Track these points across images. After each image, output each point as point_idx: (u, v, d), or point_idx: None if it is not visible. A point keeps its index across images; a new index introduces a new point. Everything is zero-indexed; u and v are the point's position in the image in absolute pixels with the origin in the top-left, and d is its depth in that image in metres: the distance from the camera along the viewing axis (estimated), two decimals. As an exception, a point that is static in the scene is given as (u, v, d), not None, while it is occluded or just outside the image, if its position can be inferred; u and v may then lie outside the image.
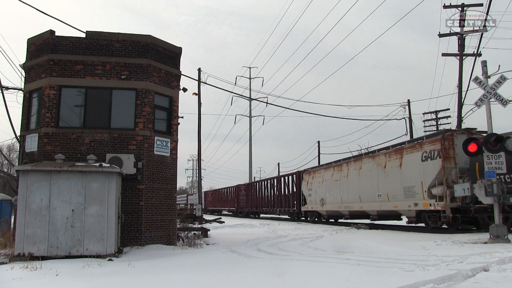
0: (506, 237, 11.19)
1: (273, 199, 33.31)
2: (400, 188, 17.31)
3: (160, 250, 11.04)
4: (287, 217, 33.45)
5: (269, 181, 35.09)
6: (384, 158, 18.84)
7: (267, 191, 34.78)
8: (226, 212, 48.75)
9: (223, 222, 27.49)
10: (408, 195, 16.85)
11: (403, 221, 19.35)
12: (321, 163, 34.32)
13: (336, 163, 23.96)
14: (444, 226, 15.69)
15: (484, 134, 15.10)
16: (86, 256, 9.49)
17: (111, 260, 9.38)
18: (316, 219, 26.55)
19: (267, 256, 10.04)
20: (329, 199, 23.72)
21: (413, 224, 17.93)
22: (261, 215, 39.55)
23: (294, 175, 29.82)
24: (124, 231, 11.35)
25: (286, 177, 31.45)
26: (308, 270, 7.50)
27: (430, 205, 15.48)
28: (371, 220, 20.84)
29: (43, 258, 9.28)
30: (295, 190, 29.22)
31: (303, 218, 28.52)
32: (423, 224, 17.15)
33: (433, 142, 15.82)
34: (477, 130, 15.80)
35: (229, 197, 45.94)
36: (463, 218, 15.06)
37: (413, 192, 16.59)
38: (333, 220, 25.47)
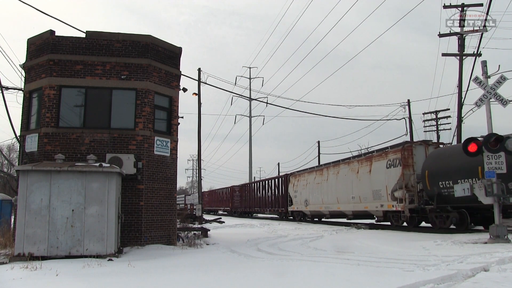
0: (506, 237, 11.19)
1: (264, 199, 35.39)
2: (370, 191, 19.65)
3: (160, 250, 11.04)
4: (276, 216, 35.58)
5: (261, 183, 37.15)
6: (357, 165, 21.17)
7: (259, 192, 36.59)
8: (221, 212, 50.20)
9: (223, 222, 27.49)
10: (376, 197, 19.22)
11: (374, 220, 21.37)
12: (320, 163, 35.36)
13: (318, 168, 26.51)
14: (404, 224, 18.00)
15: (441, 145, 18.50)
16: (86, 256, 9.49)
17: (111, 260, 9.38)
18: (301, 219, 28.63)
19: (267, 256, 10.04)
20: (312, 200, 25.97)
21: (381, 223, 20.37)
22: (254, 215, 41.36)
23: (282, 178, 32.04)
24: (124, 231, 11.35)
25: (276, 180, 33.68)
26: (308, 270, 7.50)
27: (393, 206, 17.87)
28: (348, 219, 23.19)
29: (43, 258, 9.28)
30: (283, 192, 31.38)
31: (291, 218, 30.35)
32: (388, 223, 19.46)
33: (395, 152, 18.12)
34: (432, 141, 18.45)
35: (224, 198, 47.58)
36: (419, 217, 17.42)
37: (379, 195, 18.91)
38: (317, 219, 27.83)
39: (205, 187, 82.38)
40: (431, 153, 16.98)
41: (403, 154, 17.45)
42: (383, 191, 18.62)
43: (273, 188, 33.69)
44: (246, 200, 40.10)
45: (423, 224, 18.03)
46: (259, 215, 41.09)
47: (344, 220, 23.94)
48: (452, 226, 15.51)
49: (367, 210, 20.16)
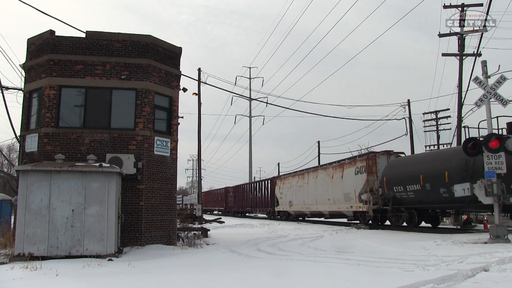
0: (506, 237, 11.19)
1: (255, 200, 38.11)
2: (342, 194, 22.53)
3: (160, 250, 11.04)
4: (265, 215, 38.61)
5: (252, 184, 39.95)
6: (332, 171, 24.03)
7: (251, 193, 39.18)
8: (216, 212, 52.29)
9: (223, 222, 27.51)
10: (347, 199, 22.02)
11: (346, 219, 23.95)
12: (320, 163, 36.41)
13: (300, 172, 29.55)
14: (372, 221, 20.66)
15: (402, 155, 21.12)
16: (86, 256, 9.49)
17: (111, 260, 9.38)
18: (286, 218, 31.28)
19: (267, 256, 10.04)
20: (295, 201, 28.87)
21: (352, 221, 22.75)
22: (247, 214, 43.58)
23: (270, 181, 35.02)
24: (124, 231, 11.35)
25: (265, 182, 36.65)
26: (308, 270, 7.50)
27: (360, 207, 20.60)
28: (325, 219, 26.68)
29: (43, 258, 9.27)
30: (271, 193, 34.18)
31: (278, 217, 32.84)
32: (357, 221, 22.07)
33: (362, 160, 21.00)
34: (393, 151, 21.04)
35: (219, 198, 49.99)
36: (381, 217, 20.16)
37: (350, 197, 21.67)
38: (301, 218, 30.62)
39: (205, 187, 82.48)
40: (389, 162, 19.80)
41: (368, 162, 20.28)
42: (352, 194, 21.35)
43: (263, 189, 36.34)
44: (239, 201, 42.43)
45: (388, 222, 20.40)
46: (251, 214, 43.22)
47: (343, 220, 25.01)
48: (404, 224, 18.23)
49: (340, 211, 22.99)
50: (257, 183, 38.45)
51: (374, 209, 19.59)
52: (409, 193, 17.07)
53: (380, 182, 19.42)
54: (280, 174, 35.19)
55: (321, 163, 36.25)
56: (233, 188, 45.79)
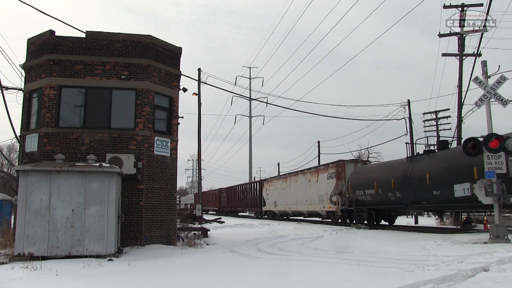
0: (506, 237, 11.19)
1: (245, 201, 41.27)
2: (316, 196, 25.74)
3: (160, 250, 11.04)
4: (253, 214, 42.03)
5: (243, 186, 42.97)
6: (309, 175, 27.27)
7: (242, 194, 42.14)
8: (211, 212, 54.62)
9: (223, 222, 27.51)
10: (320, 200, 25.21)
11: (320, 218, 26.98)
12: (320, 163, 37.11)
13: (284, 176, 32.93)
14: (340, 220, 23.86)
15: (368, 163, 24.96)
16: (86, 256, 9.49)
17: (111, 260, 9.38)
18: (272, 217, 34.35)
19: (267, 256, 10.04)
20: (279, 202, 32.15)
21: (325, 220, 26.28)
22: (239, 214, 46.18)
23: (259, 183, 38.23)
24: (124, 231, 11.35)
25: (254, 184, 40.03)
26: (308, 270, 7.50)
27: (331, 207, 23.90)
28: (304, 217, 30.02)
29: (43, 258, 9.27)
30: (259, 194, 37.18)
31: (266, 216, 35.78)
32: (329, 220, 25.26)
33: (333, 167, 24.40)
34: (360, 159, 25.69)
35: (213, 199, 52.52)
36: (348, 216, 23.04)
37: (323, 199, 24.87)
38: (286, 217, 33.40)
39: (205, 187, 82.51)
40: (354, 170, 23.00)
41: (337, 169, 23.64)
42: (325, 196, 24.54)
43: (252, 191, 39.55)
44: (231, 201, 45.51)
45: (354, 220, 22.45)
46: (242, 213, 46.01)
47: (293, 217, 29.93)
48: (365, 222, 21.07)
49: (315, 210, 26.16)
50: (247, 185, 41.68)
51: (342, 209, 22.86)
52: (368, 196, 20.22)
53: (346, 186, 22.45)
54: (267, 177, 38.60)
55: (321, 163, 37.01)
56: (226, 189, 48.66)
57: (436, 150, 17.03)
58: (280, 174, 36.40)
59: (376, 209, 20.53)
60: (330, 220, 25.03)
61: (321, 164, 29.12)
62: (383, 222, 21.87)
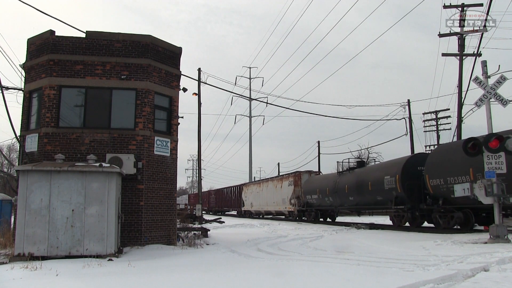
0: (506, 237, 11.19)
1: (230, 201, 47.82)
2: (281, 199, 32.55)
3: (160, 250, 11.04)
4: (235, 213, 47.70)
5: (229, 189, 49.43)
6: (277, 182, 34.09)
7: (228, 196, 48.78)
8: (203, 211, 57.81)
9: (223, 222, 27.54)
10: (284, 203, 31.93)
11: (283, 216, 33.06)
12: (320, 164, 41.07)
13: (259, 181, 40.14)
14: (298, 218, 30.53)
15: (319, 174, 32.85)
16: (86, 256, 9.49)
17: (111, 260, 9.38)
18: (249, 215, 40.35)
19: (267, 256, 10.04)
20: (254, 203, 38.78)
21: (288, 217, 32.93)
22: (225, 213, 51.90)
23: (239, 187, 44.68)
24: (124, 231, 11.35)
25: (236, 187, 46.43)
26: (308, 270, 7.50)
27: (291, 208, 30.61)
28: (273, 216, 36.17)
29: (43, 258, 9.27)
30: (240, 196, 43.32)
31: (244, 215, 41.58)
32: (305, 218, 30.05)
33: (292, 176, 31.36)
34: (314, 171, 32.83)
35: (204, 200, 57.39)
36: (303, 215, 29.89)
37: (285, 201, 31.53)
38: (261, 216, 38.56)
39: (205, 187, 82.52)
40: (306, 179, 29.89)
41: (295, 178, 30.57)
42: (286, 199, 31.39)
43: (235, 193, 45.96)
44: (218, 201, 52.60)
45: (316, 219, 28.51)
46: (228, 212, 51.50)
47: (266, 215, 36.90)
48: (312, 219, 27.98)
49: (280, 210, 33.02)
50: (231, 188, 48.49)
51: (298, 209, 29.67)
52: (314, 200, 27.52)
53: (301, 192, 29.46)
54: (246, 182, 45.85)
55: (321, 163, 41.00)
56: (214, 191, 56.97)
57: (356, 168, 24.03)
58: (255, 180, 45.38)
59: (319, 209, 27.66)
60: (291, 217, 31.71)
61: (284, 173, 37.32)
62: (328, 220, 28.53)
